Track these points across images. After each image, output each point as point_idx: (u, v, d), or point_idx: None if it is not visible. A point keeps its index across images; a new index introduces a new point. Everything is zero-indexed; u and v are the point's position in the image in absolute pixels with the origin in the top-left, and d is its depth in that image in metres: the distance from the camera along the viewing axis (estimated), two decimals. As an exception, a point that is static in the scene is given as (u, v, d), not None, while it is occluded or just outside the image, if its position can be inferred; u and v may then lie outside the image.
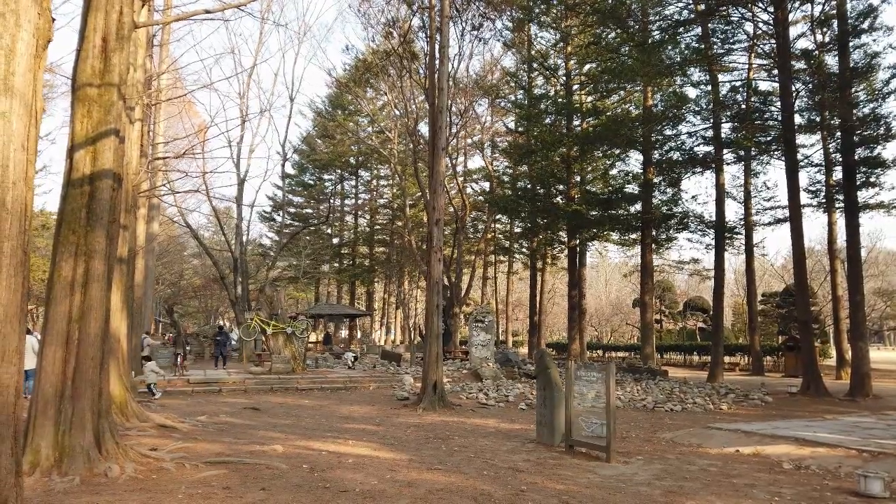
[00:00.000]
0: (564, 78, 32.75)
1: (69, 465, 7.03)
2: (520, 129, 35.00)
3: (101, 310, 7.91)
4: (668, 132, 26.92)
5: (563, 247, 34.05)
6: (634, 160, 32.15)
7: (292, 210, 53.16)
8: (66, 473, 6.88)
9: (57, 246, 7.89)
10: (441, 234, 16.33)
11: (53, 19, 4.66)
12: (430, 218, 16.44)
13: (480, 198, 41.03)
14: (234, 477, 7.14)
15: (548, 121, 31.62)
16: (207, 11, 9.92)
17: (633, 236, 31.25)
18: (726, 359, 30.87)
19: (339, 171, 52.64)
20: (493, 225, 41.19)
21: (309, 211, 54.89)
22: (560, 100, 31.61)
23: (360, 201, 53.89)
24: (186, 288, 51.83)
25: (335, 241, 53.75)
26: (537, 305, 36.39)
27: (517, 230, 40.09)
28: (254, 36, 66.97)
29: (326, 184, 54.63)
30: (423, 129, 33.31)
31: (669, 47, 22.41)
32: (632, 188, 30.06)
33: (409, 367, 24.52)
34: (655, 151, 27.84)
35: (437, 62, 16.89)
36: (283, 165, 37.61)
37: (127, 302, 12.28)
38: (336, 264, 52.93)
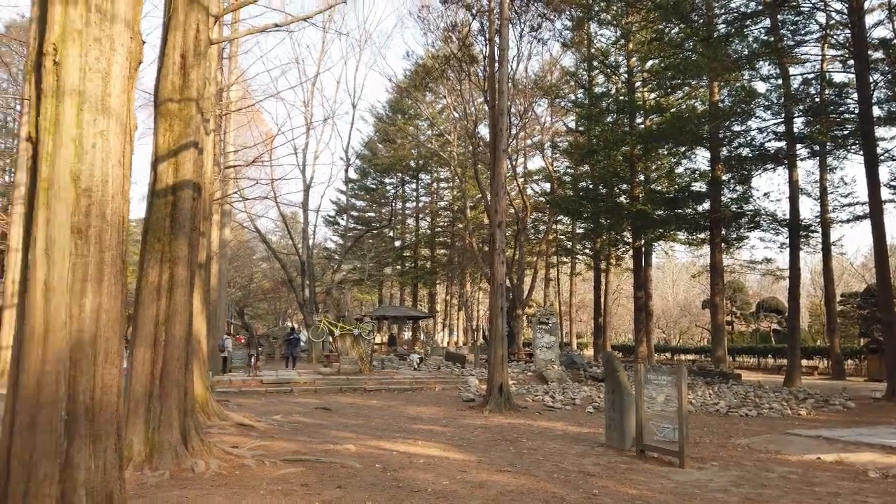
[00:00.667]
0: (626, 75, 32.15)
1: (159, 460, 7.45)
2: (580, 128, 34.57)
3: (186, 313, 8.35)
4: (736, 128, 25.99)
5: (628, 247, 33.40)
6: (701, 157, 31.23)
7: (355, 214, 54.22)
8: (156, 468, 7.29)
9: (143, 253, 8.37)
10: (503, 236, 16.35)
11: (143, 42, 4.98)
12: (492, 221, 16.48)
13: (541, 199, 40.74)
14: (311, 475, 7.39)
15: (609, 119, 31.10)
16: (277, 26, 10.32)
17: (702, 236, 30.32)
18: (803, 362, 29.56)
19: (400, 174, 53.33)
20: (554, 226, 40.82)
21: (371, 214, 55.90)
22: (622, 98, 31.04)
23: (420, 204, 54.46)
24: (256, 291, 53.59)
25: (397, 243, 54.51)
26: (602, 307, 35.83)
27: (579, 231, 39.60)
28: (316, 45, 68.65)
29: (388, 187, 55.47)
30: (483, 130, 33.42)
31: (736, 41, 21.67)
32: (699, 186, 29.19)
33: (474, 369, 24.62)
34: (723, 148, 26.93)
35: (496, 65, 16.93)
36: (346, 170, 38.47)
37: (206, 305, 12.87)
38: (398, 267, 53.65)
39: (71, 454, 4.17)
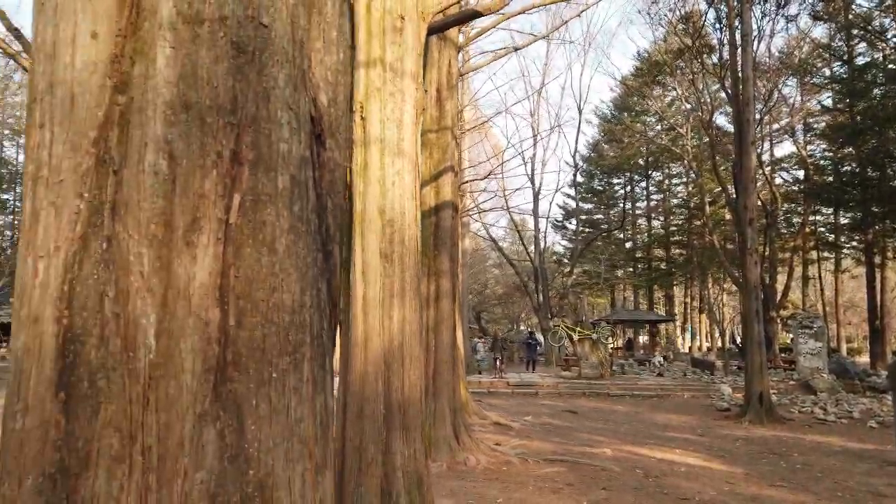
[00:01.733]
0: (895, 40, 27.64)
1: (436, 453, 8.40)
2: (839, 106, 30.46)
3: (450, 320, 9.31)
4: None
5: (910, 237, 28.56)
6: None
7: (583, 217, 53.92)
8: (434, 460, 8.24)
9: (414, 268, 9.52)
10: (755, 234, 15.20)
11: (425, 90, 5.78)
12: (741, 219, 15.40)
13: (793, 188, 36.62)
14: (572, 475, 7.74)
15: (877, 93, 26.97)
16: (516, 49, 10.97)
17: None
18: None
19: (629, 173, 51.81)
20: (811, 218, 36.37)
21: (599, 217, 55.08)
22: (892, 66, 26.73)
23: (652, 203, 52.30)
24: (490, 296, 56.02)
25: (628, 245, 52.94)
26: (877, 308, 31.02)
27: (844, 221, 34.78)
28: (541, 56, 69.94)
29: (616, 188, 54.22)
30: (720, 119, 31.17)
31: None
32: None
33: (725, 377, 23.05)
34: None
35: (738, 51, 15.82)
36: (574, 175, 38.55)
37: (461, 312, 14.03)
38: (630, 269, 52.08)
39: (389, 442, 5.02)
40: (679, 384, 20.05)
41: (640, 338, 47.87)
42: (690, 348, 48.25)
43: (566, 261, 43.81)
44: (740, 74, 15.53)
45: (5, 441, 1.25)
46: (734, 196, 27.05)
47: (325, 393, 1.47)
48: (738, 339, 29.02)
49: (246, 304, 1.31)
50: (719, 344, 44.69)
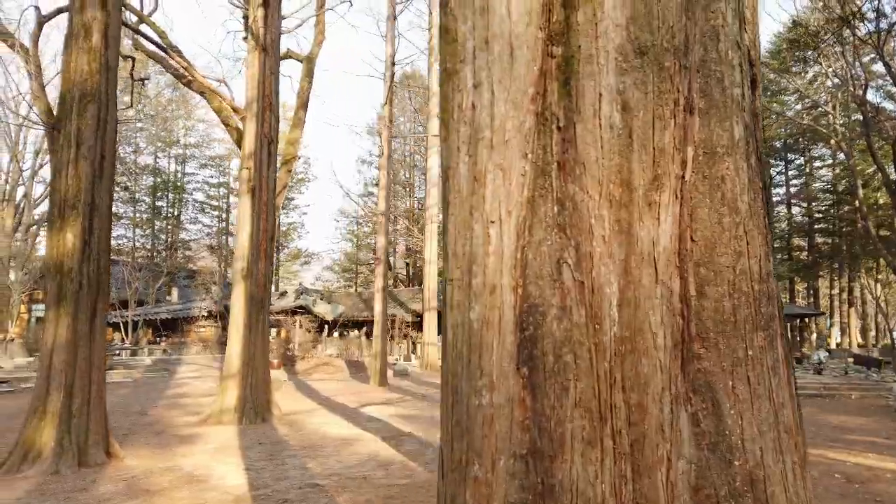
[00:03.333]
0: None
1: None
2: None
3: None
4: None
5: None
6: None
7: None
8: None
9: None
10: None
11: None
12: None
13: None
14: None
15: None
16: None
17: None
18: None
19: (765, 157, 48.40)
20: None
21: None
22: None
23: (792, 189, 48.50)
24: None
25: (765, 234, 49.49)
26: None
27: None
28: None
29: (749, 174, 50.87)
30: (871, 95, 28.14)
31: None
32: None
33: None
34: None
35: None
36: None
37: None
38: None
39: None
40: (843, 383, 18.33)
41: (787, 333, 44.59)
42: (839, 345, 44.42)
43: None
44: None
45: (470, 419, 1.17)
46: (895, 177, 24.52)
47: (795, 375, 1.29)
48: (907, 335, 26.23)
49: (707, 272, 1.16)
50: (874, 340, 40.87)
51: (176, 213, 53.92)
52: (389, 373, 20.34)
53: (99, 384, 7.58)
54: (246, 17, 13.85)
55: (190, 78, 14.48)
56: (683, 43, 1.18)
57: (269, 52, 12.21)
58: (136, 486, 6.34)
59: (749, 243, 1.18)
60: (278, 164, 13.41)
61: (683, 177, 1.17)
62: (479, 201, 1.21)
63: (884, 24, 21.42)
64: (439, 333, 27.32)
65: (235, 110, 13.72)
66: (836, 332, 48.70)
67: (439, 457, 1.33)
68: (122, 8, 9.12)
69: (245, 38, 13.67)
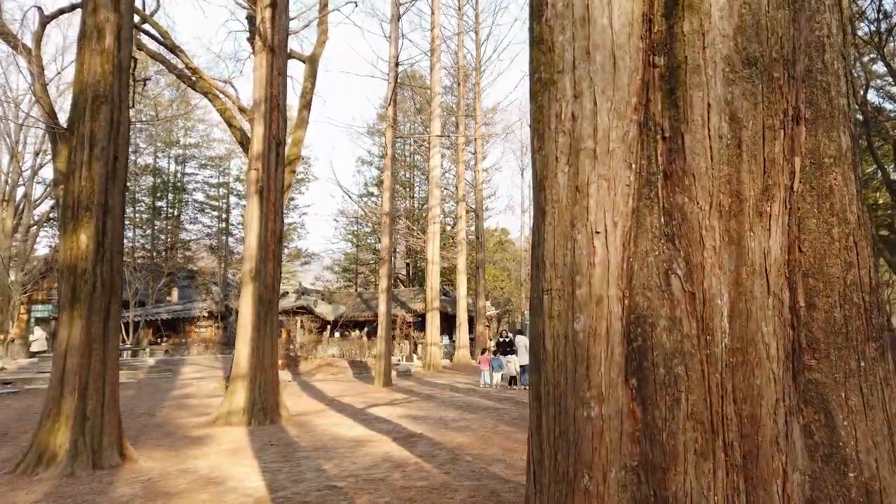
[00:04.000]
0: None
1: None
2: None
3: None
4: None
5: None
6: None
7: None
8: None
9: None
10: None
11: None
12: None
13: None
14: None
15: None
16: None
17: None
18: None
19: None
20: None
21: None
22: None
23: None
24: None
25: None
26: None
27: None
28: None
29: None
30: (871, 96, 28.13)
31: None
32: None
33: None
34: None
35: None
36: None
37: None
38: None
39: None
40: None
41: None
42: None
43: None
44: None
45: (578, 431, 1.17)
46: (895, 177, 24.61)
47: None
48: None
49: (817, 283, 1.14)
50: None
51: (176, 214, 53.91)
52: (393, 373, 20.36)
53: (113, 386, 7.57)
54: (249, 18, 13.85)
55: (194, 79, 14.46)
56: (791, 53, 1.17)
57: (276, 52, 12.20)
58: (154, 488, 6.33)
59: (859, 254, 1.18)
60: (284, 165, 13.39)
61: (792, 187, 1.16)
62: (581, 212, 1.20)
63: (885, 25, 21.43)
64: (442, 333, 27.29)
65: (243, 111, 13.71)
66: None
67: (529, 468, 1.32)
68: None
69: (249, 39, 13.67)
